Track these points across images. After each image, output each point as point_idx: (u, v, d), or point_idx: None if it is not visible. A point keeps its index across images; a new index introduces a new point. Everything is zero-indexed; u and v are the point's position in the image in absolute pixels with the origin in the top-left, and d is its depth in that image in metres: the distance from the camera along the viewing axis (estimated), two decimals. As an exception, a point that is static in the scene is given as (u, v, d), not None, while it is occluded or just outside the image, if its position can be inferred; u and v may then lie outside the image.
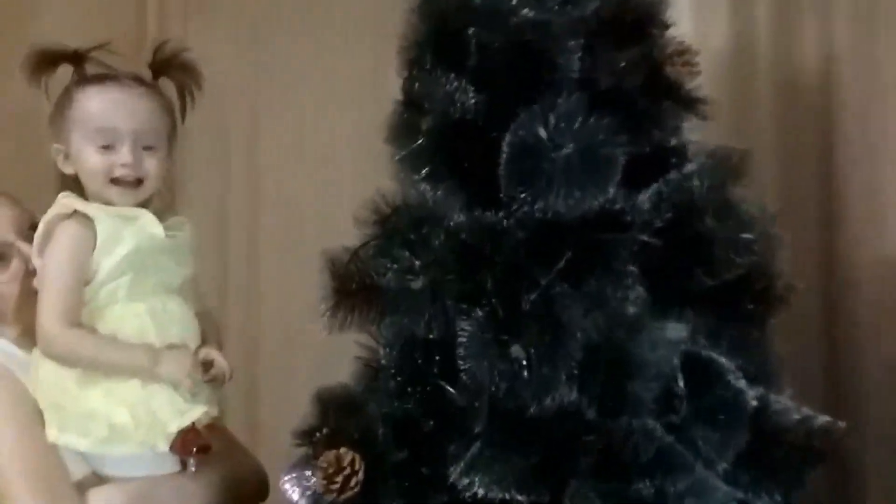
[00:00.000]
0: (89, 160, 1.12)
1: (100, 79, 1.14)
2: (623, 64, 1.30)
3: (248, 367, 2.04)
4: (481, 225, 1.25)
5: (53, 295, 1.08)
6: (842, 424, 1.25)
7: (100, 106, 1.12)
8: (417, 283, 1.25)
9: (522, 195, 1.22)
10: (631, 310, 1.18)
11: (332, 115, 2.02)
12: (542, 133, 1.20)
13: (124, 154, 1.11)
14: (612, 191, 1.21)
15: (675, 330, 1.20)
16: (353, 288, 1.38)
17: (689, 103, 1.32)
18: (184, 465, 1.16)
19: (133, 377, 1.10)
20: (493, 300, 1.17)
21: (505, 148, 1.24)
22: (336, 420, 1.29)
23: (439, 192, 1.32)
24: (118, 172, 1.12)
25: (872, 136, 1.82)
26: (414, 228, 1.27)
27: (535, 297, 1.16)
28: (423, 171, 1.35)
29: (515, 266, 1.20)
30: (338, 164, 1.99)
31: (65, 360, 1.09)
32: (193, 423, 1.11)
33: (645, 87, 1.30)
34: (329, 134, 2.03)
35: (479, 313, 1.17)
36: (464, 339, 1.19)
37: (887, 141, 1.82)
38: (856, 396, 1.77)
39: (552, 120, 1.21)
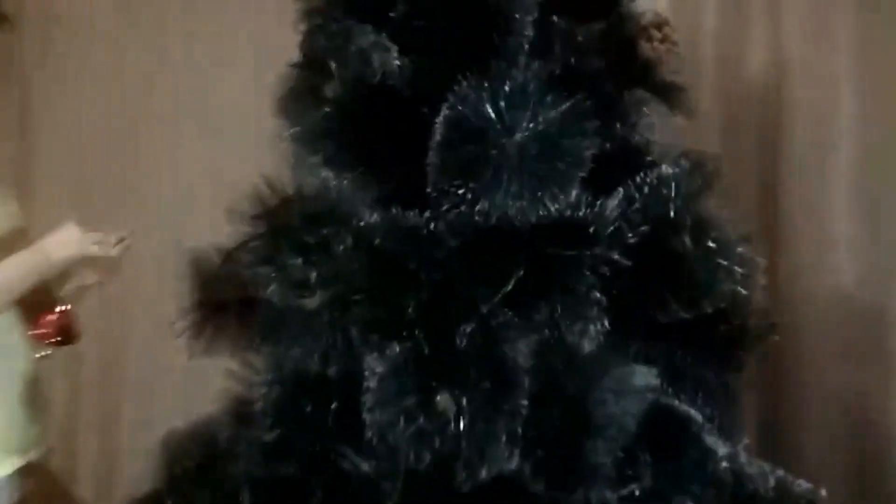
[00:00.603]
0: None
1: None
2: (583, 38, 1.02)
3: (107, 391, 1.66)
4: (401, 228, 0.94)
5: None
6: (823, 493, 1.03)
7: None
8: (312, 302, 0.92)
9: (460, 191, 0.92)
10: (592, 347, 0.90)
11: (223, 83, 1.65)
12: (490, 111, 0.90)
13: None
14: (574, 193, 0.93)
15: (643, 375, 0.93)
16: (224, 300, 1.04)
17: (666, 91, 1.06)
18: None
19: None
20: (416, 331, 0.86)
21: (439, 127, 0.93)
22: (185, 484, 0.94)
23: (345, 182, 0.99)
24: None
25: (820, 147, 1.65)
26: (310, 228, 0.94)
27: (472, 329, 0.86)
28: (325, 153, 1.02)
29: (447, 285, 0.89)
30: (228, 144, 1.63)
31: None
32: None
33: (612, 69, 1.03)
34: (219, 107, 1.65)
35: (397, 349, 0.86)
36: (373, 384, 0.87)
37: (837, 154, 1.65)
38: (793, 420, 1.61)
39: (503, 95, 0.91)
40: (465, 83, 0.93)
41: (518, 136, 0.91)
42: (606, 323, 0.91)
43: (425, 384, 0.85)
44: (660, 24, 1.04)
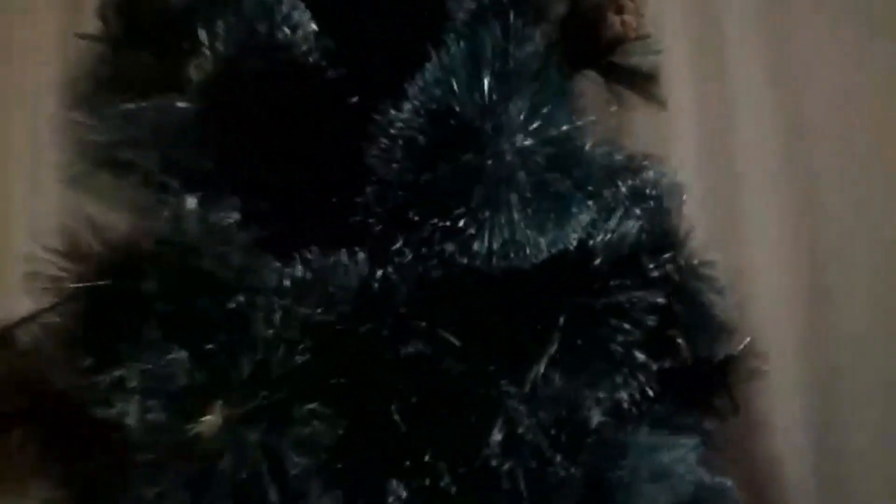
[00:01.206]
0: None
1: None
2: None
3: None
4: (346, 285, 0.60)
5: None
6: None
7: None
8: (212, 425, 0.55)
9: (444, 222, 0.60)
10: (638, 431, 0.65)
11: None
12: (476, 105, 0.60)
13: None
14: (587, 217, 0.66)
15: (683, 446, 0.71)
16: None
17: (631, 77, 0.84)
18: None
19: None
20: (427, 457, 0.53)
21: (397, 128, 0.61)
22: None
23: (233, 216, 0.63)
24: None
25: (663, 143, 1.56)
26: (200, 297, 0.56)
27: (503, 437, 0.55)
28: (188, 173, 0.65)
29: (442, 371, 0.57)
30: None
31: None
32: None
33: (567, 47, 0.79)
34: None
35: (403, 492, 0.52)
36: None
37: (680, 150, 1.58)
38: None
39: (491, 81, 0.61)
40: (433, 62, 0.61)
41: (519, 140, 0.62)
42: (651, 390, 0.66)
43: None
44: (632, -5, 0.81)
